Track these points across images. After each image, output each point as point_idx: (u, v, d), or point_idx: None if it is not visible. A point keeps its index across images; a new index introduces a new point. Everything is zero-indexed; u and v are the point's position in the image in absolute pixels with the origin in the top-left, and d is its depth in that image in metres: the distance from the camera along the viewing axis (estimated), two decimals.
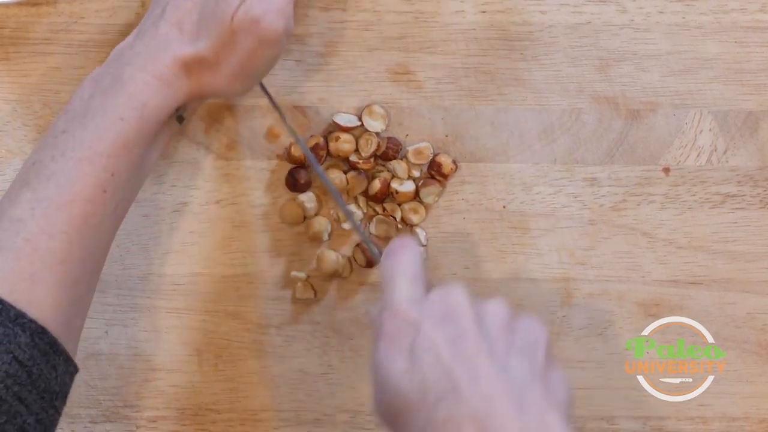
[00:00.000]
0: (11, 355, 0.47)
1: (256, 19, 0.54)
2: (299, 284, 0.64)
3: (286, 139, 0.63)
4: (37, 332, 0.48)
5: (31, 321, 0.48)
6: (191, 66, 0.54)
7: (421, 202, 0.63)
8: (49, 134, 0.54)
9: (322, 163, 0.63)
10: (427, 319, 0.48)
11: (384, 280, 0.51)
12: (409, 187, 0.63)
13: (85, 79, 0.55)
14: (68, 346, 0.50)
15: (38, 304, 0.49)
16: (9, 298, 0.48)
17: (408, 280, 0.50)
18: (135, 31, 0.56)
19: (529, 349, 0.48)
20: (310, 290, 0.64)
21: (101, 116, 0.52)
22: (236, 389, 0.64)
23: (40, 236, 0.50)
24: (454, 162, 0.63)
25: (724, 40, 0.63)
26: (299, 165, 0.63)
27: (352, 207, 0.63)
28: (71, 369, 0.51)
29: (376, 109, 0.63)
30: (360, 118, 0.63)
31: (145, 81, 0.53)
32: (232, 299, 0.64)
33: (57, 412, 0.50)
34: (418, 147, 0.63)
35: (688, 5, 0.64)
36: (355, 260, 0.64)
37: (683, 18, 0.64)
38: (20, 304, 0.48)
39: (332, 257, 0.63)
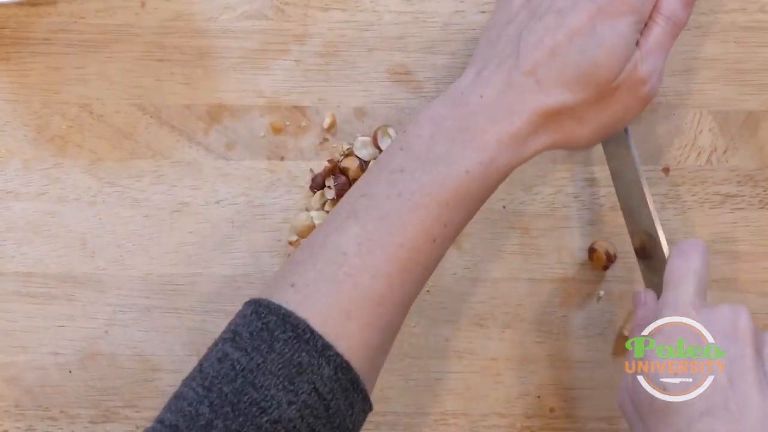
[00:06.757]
0: (312, 386, 0.46)
1: (642, 81, 0.52)
2: None
3: (287, 135, 0.63)
4: (342, 367, 0.47)
5: (338, 355, 0.47)
6: (551, 118, 0.51)
7: None
8: (382, 167, 0.51)
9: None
10: (709, 331, 0.49)
11: (670, 280, 0.52)
12: None
13: (422, 116, 0.52)
14: (367, 386, 0.49)
15: (347, 340, 0.48)
16: (320, 330, 0.47)
17: (696, 285, 0.51)
18: (475, 71, 0.53)
19: None
20: None
21: (445, 164, 0.50)
22: None
23: (363, 274, 0.48)
24: None
25: (724, 40, 0.63)
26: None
27: None
28: (367, 408, 0.50)
29: (390, 131, 0.63)
30: (375, 141, 0.63)
31: (498, 138, 0.50)
32: (232, 299, 0.64)
33: None
34: None
35: None
36: None
37: None
38: (329, 337, 0.47)
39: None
